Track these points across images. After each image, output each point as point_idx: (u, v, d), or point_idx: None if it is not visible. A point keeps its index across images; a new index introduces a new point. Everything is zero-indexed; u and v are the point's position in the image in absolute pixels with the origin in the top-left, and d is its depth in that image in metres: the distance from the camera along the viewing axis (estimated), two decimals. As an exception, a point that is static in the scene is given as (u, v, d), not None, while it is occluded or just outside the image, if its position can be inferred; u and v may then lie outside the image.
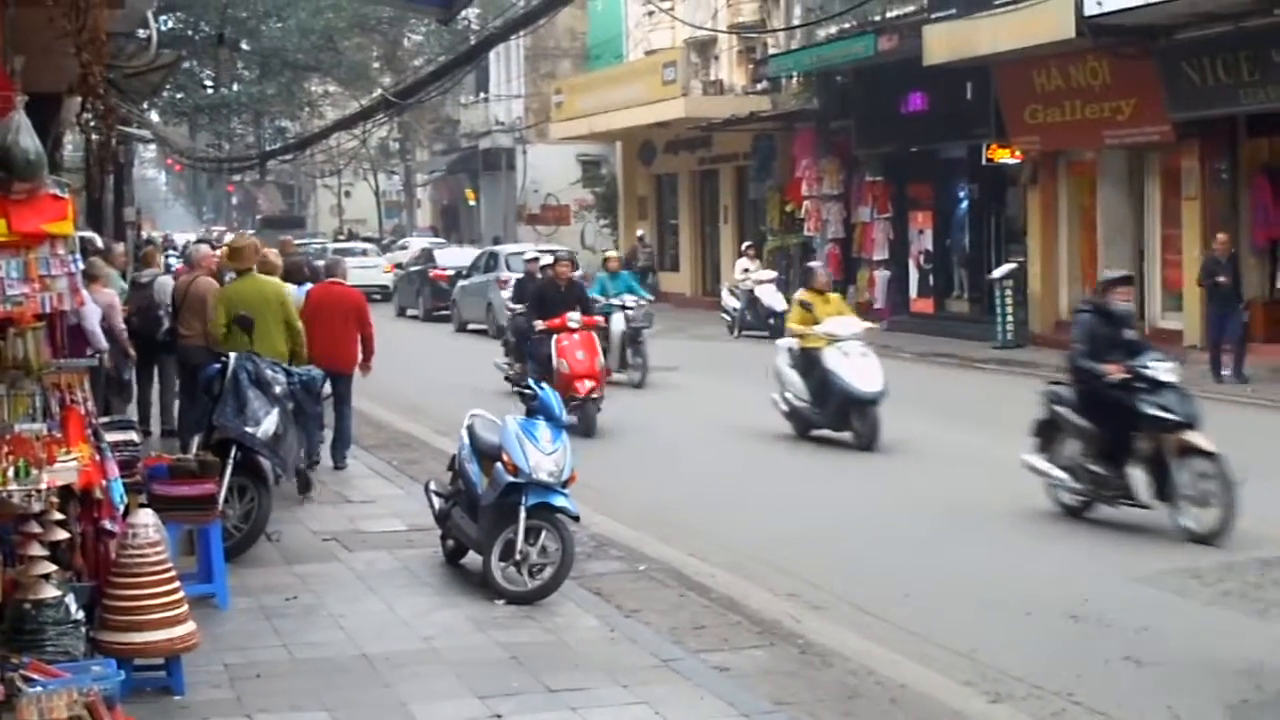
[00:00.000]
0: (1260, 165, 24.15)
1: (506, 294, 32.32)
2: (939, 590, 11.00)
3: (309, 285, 17.10)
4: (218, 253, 17.63)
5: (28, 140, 7.50)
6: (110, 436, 9.33)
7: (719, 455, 17.37)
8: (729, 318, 33.52)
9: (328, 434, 15.90)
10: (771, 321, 32.24)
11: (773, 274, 33.92)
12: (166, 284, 17.19)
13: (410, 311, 42.46)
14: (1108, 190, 27.36)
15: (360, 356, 16.12)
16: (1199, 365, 23.58)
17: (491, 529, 10.58)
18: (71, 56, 9.30)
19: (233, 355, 12.22)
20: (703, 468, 16.53)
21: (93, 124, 10.55)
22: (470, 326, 35.72)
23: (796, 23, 34.50)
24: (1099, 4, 22.83)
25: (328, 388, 15.45)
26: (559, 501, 10.49)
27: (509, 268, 33.56)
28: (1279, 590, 10.62)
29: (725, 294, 34.48)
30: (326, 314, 15.80)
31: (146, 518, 8.28)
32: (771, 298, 32.61)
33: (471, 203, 64.85)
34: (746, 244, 36.13)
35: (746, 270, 33.54)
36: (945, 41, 26.59)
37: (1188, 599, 10.55)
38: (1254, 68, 22.17)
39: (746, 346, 30.89)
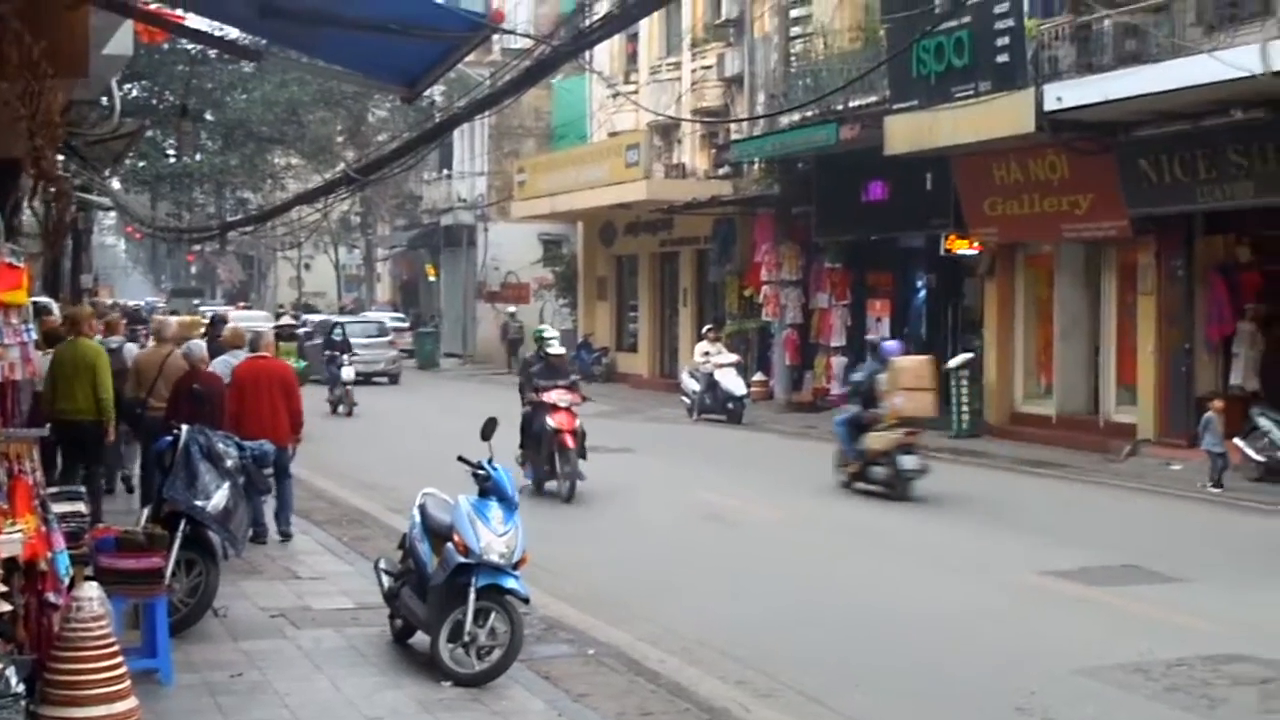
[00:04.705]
0: (1215, 263, 24.33)
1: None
2: (888, 679, 10.98)
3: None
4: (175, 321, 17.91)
5: (-17, 209, 7.47)
6: (58, 507, 9.26)
7: (673, 539, 17.32)
8: (689, 400, 33.53)
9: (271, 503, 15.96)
10: (730, 406, 32.29)
11: (734, 357, 33.95)
12: (133, 351, 17.54)
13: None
14: (1065, 283, 27.54)
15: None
16: (1151, 459, 23.75)
17: (440, 609, 10.51)
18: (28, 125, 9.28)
19: (184, 428, 12.16)
20: (656, 551, 16.49)
21: (48, 204, 10.54)
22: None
23: (760, 110, 34.74)
24: (1059, 100, 23.07)
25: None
26: (509, 583, 10.44)
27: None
28: (1227, 688, 10.61)
29: (685, 377, 34.47)
30: (253, 388, 15.91)
31: (91, 591, 8.19)
32: (731, 382, 32.62)
33: (432, 278, 64.91)
34: (707, 327, 36.12)
35: (707, 353, 33.52)
36: (906, 132, 26.79)
37: (1133, 694, 10.53)
38: (1210, 166, 22.40)
39: (705, 430, 30.93)
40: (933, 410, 21.62)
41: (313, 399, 24.06)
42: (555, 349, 21.19)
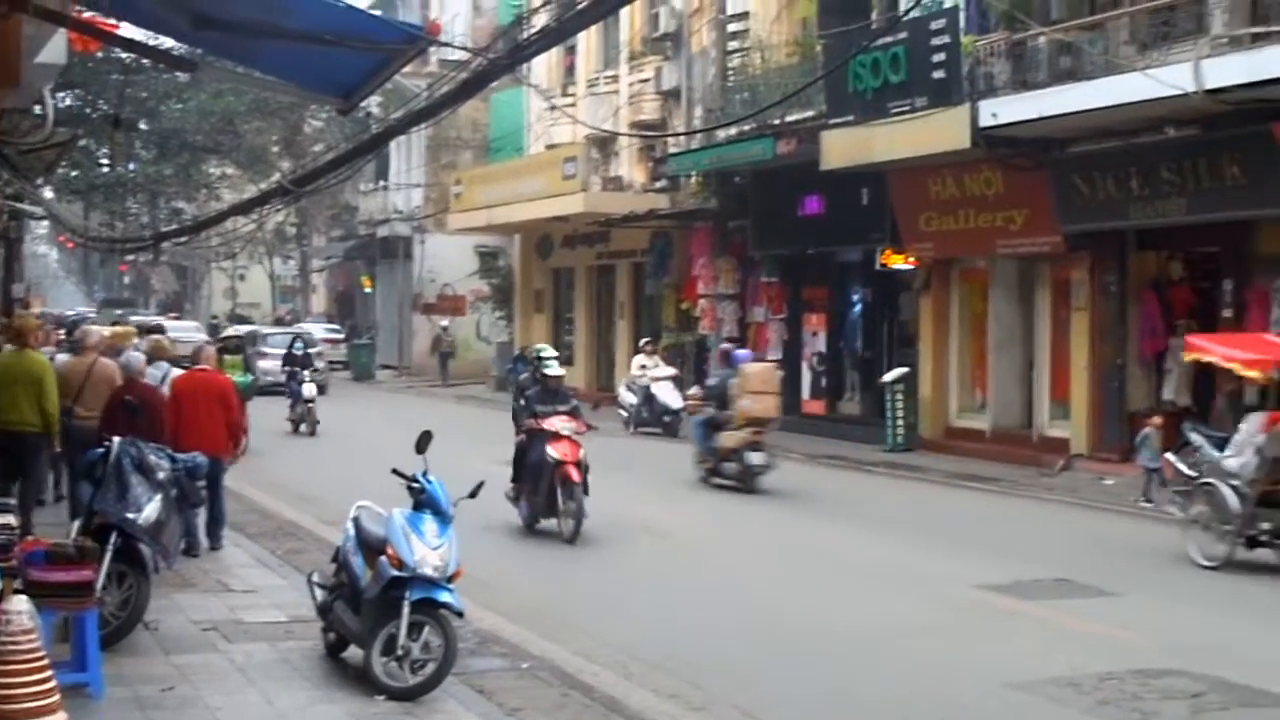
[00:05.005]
0: (1148, 279, 24.55)
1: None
2: (821, 693, 11.00)
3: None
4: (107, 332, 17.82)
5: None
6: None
7: (607, 552, 17.30)
8: (626, 413, 33.50)
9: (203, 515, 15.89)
10: (667, 419, 32.29)
11: (671, 371, 33.94)
12: (62, 360, 17.50)
13: None
14: (999, 298, 27.71)
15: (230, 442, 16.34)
16: (1084, 473, 23.91)
17: (374, 623, 10.45)
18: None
19: (116, 440, 12.05)
20: (591, 564, 16.46)
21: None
22: None
23: (697, 123, 34.79)
24: (994, 116, 23.23)
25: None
26: (443, 597, 10.39)
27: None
28: (1158, 701, 10.69)
29: (622, 390, 34.45)
30: (190, 401, 15.84)
31: (20, 604, 8.11)
32: (668, 395, 32.62)
33: (367, 290, 64.68)
34: (645, 340, 36.03)
35: (644, 367, 33.54)
36: (842, 147, 26.89)
37: (1065, 708, 10.60)
38: (1143, 183, 22.60)
39: (642, 443, 30.89)
40: (776, 412, 23.38)
41: (263, 416, 23.95)
42: (554, 370, 18.78)
